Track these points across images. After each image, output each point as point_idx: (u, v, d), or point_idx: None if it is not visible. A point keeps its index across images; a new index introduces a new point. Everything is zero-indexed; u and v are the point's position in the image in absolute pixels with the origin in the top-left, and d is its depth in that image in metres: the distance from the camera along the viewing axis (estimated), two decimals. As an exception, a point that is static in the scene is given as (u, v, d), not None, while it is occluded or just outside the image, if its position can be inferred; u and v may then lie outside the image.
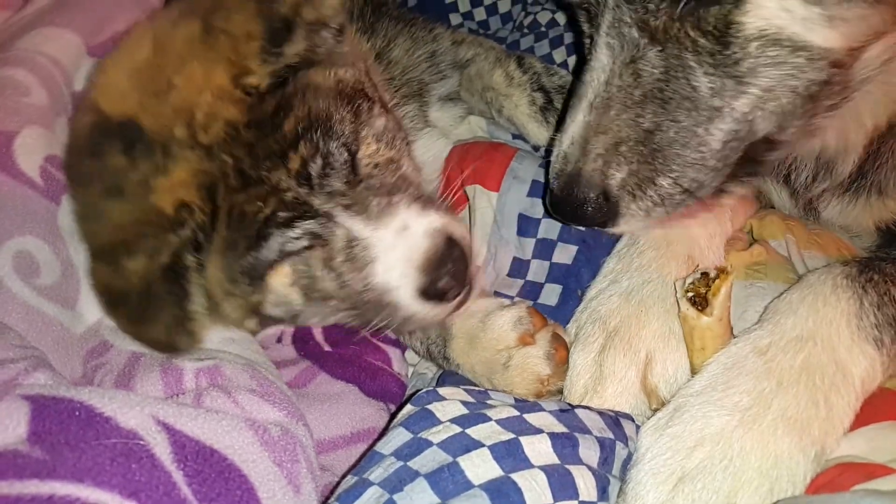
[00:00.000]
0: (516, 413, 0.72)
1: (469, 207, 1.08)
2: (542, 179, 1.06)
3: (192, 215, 0.78)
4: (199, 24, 0.83)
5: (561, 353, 0.86)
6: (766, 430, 0.68)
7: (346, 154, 0.83)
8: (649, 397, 0.82)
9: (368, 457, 0.69)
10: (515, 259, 1.04)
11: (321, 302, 0.86)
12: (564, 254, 1.01)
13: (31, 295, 0.76)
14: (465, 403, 0.74)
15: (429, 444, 0.68)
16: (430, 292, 0.81)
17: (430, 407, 0.73)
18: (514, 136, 1.27)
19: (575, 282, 0.99)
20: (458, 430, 0.69)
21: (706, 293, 0.80)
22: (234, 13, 0.83)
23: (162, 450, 0.54)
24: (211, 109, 0.79)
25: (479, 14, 1.71)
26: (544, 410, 0.73)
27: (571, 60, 1.43)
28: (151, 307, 0.77)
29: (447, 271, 0.81)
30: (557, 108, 1.20)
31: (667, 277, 0.87)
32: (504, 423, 0.70)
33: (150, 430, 0.55)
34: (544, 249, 1.02)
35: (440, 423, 0.71)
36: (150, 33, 0.87)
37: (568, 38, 1.49)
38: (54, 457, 0.50)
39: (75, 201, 0.86)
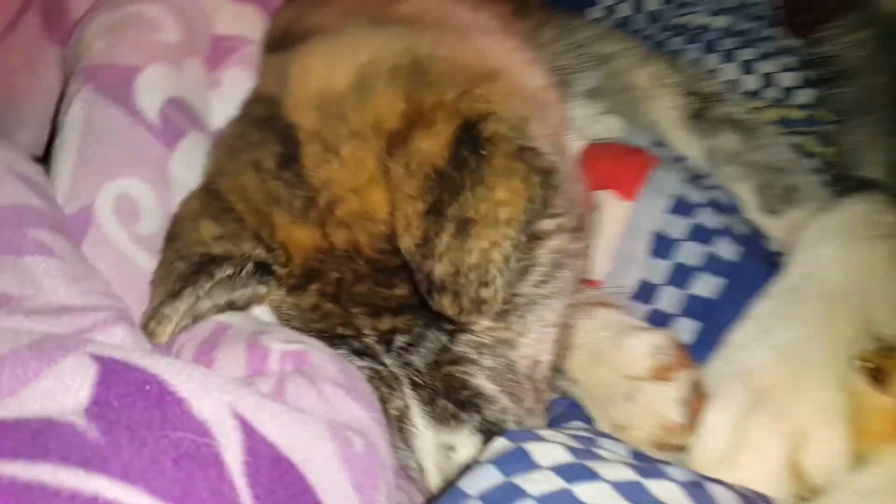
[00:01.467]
0: (635, 477, 0.59)
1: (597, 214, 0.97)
2: (686, 196, 0.95)
3: (285, 263, 0.73)
4: (397, 121, 0.70)
5: (699, 404, 0.73)
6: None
7: (443, 340, 0.72)
8: (796, 482, 0.68)
9: (450, 493, 0.59)
10: (642, 282, 0.92)
11: None
12: (707, 286, 0.89)
13: (126, 242, 0.71)
14: (570, 449, 0.62)
15: (524, 494, 0.57)
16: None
17: (526, 446, 0.61)
18: (655, 144, 1.14)
19: (714, 322, 0.86)
20: (562, 484, 0.57)
21: (887, 367, 0.68)
22: (427, 138, 0.67)
23: (233, 456, 0.45)
24: (352, 218, 0.70)
25: (623, 10, 1.58)
26: (670, 479, 0.60)
27: (728, 69, 1.30)
28: (168, 271, 0.72)
29: None
30: (711, 118, 1.08)
31: (835, 337, 0.73)
32: (621, 489, 0.57)
33: (225, 424, 0.46)
34: (681, 277, 0.90)
35: (538, 468, 0.59)
36: (363, 59, 0.75)
37: (727, 43, 1.35)
38: (110, 443, 0.41)
39: (231, 131, 0.82)
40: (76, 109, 0.75)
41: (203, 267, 0.70)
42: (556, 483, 0.57)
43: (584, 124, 1.14)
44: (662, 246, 0.92)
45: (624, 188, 0.97)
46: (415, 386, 0.73)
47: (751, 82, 1.29)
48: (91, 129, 0.74)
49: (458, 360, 0.73)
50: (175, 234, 0.74)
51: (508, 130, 0.66)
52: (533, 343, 0.77)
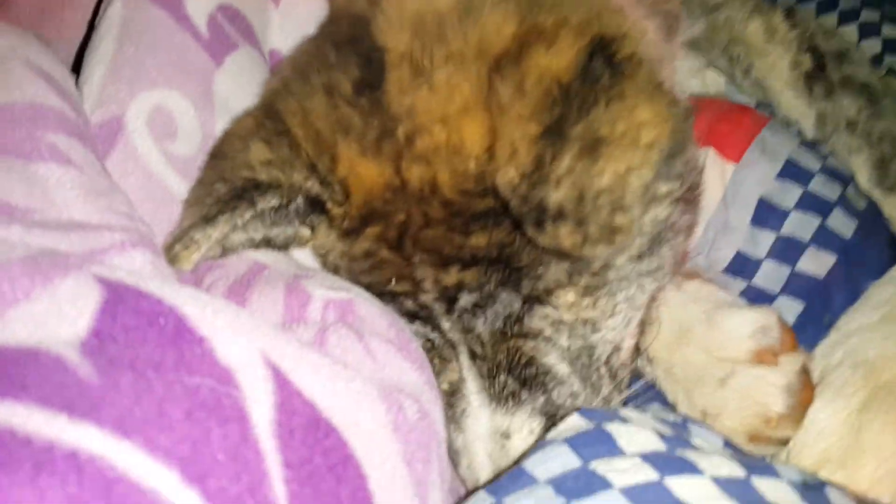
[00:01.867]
0: (741, 472, 0.50)
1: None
2: (799, 160, 0.85)
3: (342, 202, 0.65)
4: (507, 41, 0.62)
5: (807, 394, 0.63)
6: None
7: (517, 306, 0.63)
8: (920, 492, 0.57)
9: (513, 474, 0.51)
10: (740, 254, 0.83)
11: None
12: (816, 263, 0.79)
13: (158, 159, 0.63)
14: (660, 435, 0.53)
15: (606, 484, 0.48)
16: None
17: (608, 427, 0.53)
18: (758, 105, 1.05)
19: (822, 303, 0.77)
20: (654, 475, 0.48)
21: None
22: (549, 54, 0.58)
23: (262, 412, 0.36)
24: (433, 152, 0.62)
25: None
26: (782, 479, 0.50)
27: (846, 31, 1.18)
28: (206, 192, 0.64)
29: None
30: (829, 79, 0.96)
31: (975, 332, 0.62)
32: (726, 486, 0.48)
33: (255, 374, 0.38)
34: (787, 251, 0.80)
35: (623, 454, 0.51)
36: None
37: (844, 2, 1.24)
38: (106, 384, 0.33)
39: (305, 48, 0.74)
40: (116, 8, 0.67)
41: (245, 193, 0.62)
42: (645, 474, 0.48)
43: (683, 77, 1.04)
44: (769, 214, 0.82)
45: (728, 147, 0.87)
46: (474, 357, 0.65)
47: (870, 47, 1.16)
48: (130, 31, 0.66)
49: (530, 335, 0.65)
50: (220, 153, 0.66)
51: (647, 58, 0.57)
52: (619, 326, 0.68)
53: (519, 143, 0.55)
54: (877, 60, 1.15)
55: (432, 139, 0.61)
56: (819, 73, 0.97)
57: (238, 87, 0.72)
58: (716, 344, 0.68)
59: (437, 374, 0.66)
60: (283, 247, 0.69)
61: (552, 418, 0.64)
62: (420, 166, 0.62)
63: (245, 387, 0.37)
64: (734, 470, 0.50)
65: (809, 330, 0.73)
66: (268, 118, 0.67)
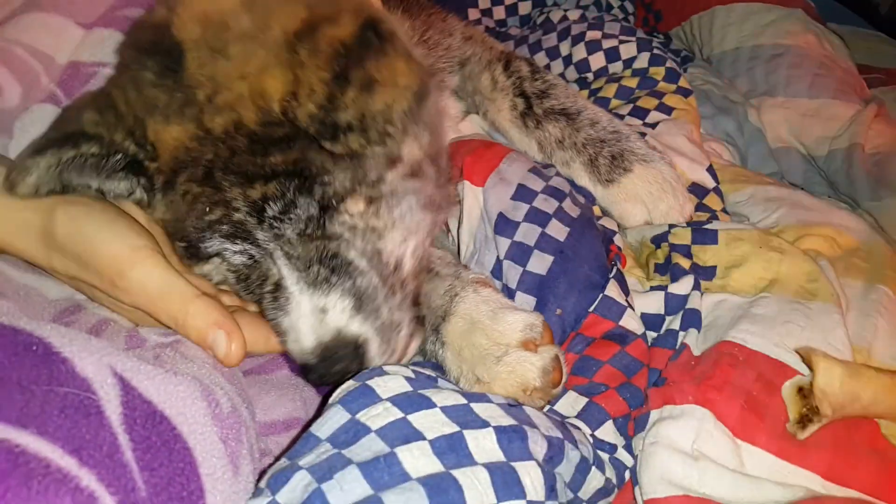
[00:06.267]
0: (463, 401, 0.69)
1: (461, 204, 1.07)
2: (528, 184, 1.04)
3: (154, 161, 0.81)
4: (300, 24, 0.78)
5: (556, 376, 0.84)
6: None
7: (315, 210, 0.79)
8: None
9: (304, 439, 0.66)
10: (497, 259, 1.01)
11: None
12: (539, 263, 0.97)
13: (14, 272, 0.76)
14: (408, 380, 0.71)
15: (367, 430, 0.65)
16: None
17: (370, 382, 0.70)
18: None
19: (551, 295, 0.95)
20: (398, 415, 0.66)
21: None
22: (334, 27, 0.77)
23: (112, 408, 0.54)
24: (236, 101, 0.78)
25: (499, 13, 1.73)
26: (492, 402, 0.71)
27: (576, 51, 1.47)
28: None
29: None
30: (536, 114, 1.21)
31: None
32: (449, 412, 0.67)
33: (105, 382, 0.55)
34: (518, 254, 0.99)
35: (379, 400, 0.67)
36: None
37: (574, 28, 1.51)
38: (4, 395, 0.50)
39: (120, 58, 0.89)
40: None
41: (72, 137, 0.77)
42: (393, 415, 0.65)
43: (455, 121, 1.27)
44: (506, 226, 1.00)
45: (475, 176, 1.06)
46: (289, 257, 0.80)
47: (596, 60, 1.45)
48: None
49: (332, 237, 0.81)
50: (58, 118, 0.81)
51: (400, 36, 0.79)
52: (398, 240, 0.85)
53: (316, 86, 0.73)
54: (602, 70, 1.44)
55: (233, 92, 0.77)
56: (529, 111, 1.20)
57: None
58: (497, 333, 0.87)
59: (261, 283, 0.82)
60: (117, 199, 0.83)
61: (360, 300, 0.80)
62: (222, 115, 0.77)
63: (99, 392, 0.54)
64: (458, 399, 0.68)
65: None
66: (101, 95, 0.83)
